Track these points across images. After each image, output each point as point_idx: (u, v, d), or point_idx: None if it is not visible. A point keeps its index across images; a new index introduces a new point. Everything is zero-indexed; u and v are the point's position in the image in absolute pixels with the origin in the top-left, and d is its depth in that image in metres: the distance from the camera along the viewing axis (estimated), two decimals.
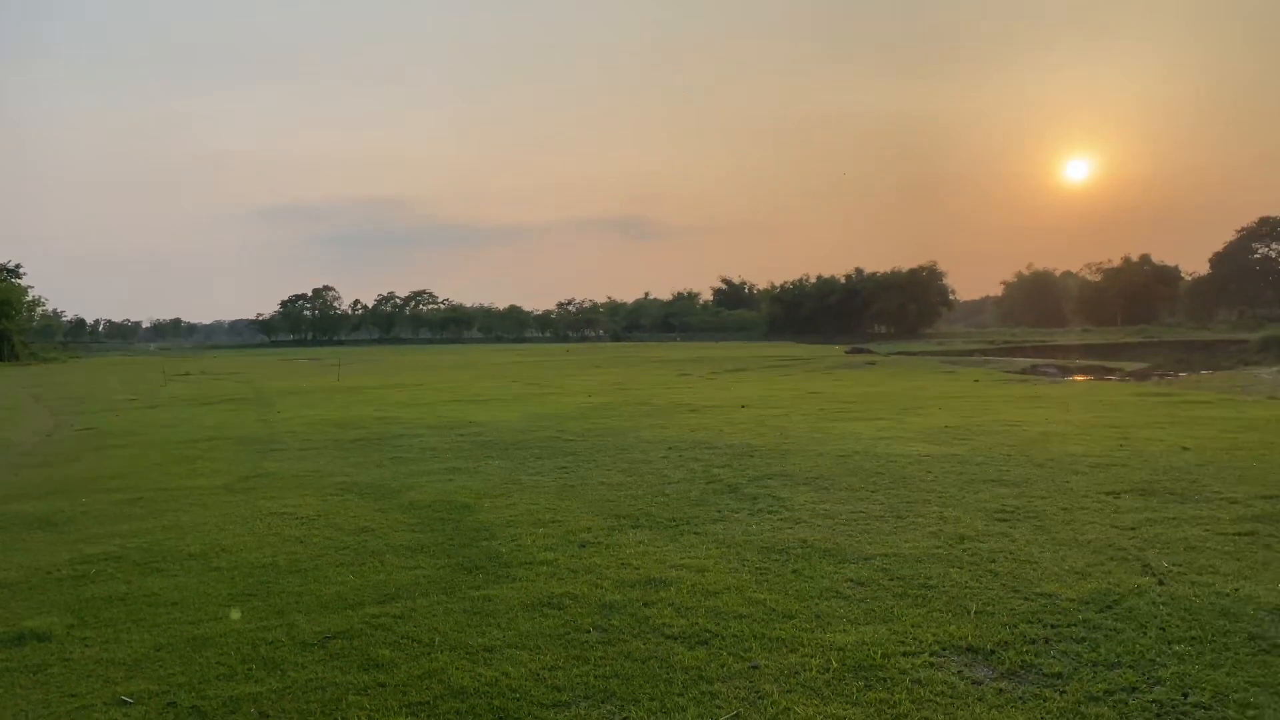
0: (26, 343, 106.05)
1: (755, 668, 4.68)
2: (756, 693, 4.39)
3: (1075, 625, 5.14)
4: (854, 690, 4.37)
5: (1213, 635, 4.90)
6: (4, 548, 8.49)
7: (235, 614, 6.10)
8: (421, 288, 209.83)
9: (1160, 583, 5.82)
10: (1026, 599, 5.64)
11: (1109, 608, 5.40)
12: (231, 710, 4.50)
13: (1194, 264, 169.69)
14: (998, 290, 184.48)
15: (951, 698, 4.26)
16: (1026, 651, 4.78)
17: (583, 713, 4.27)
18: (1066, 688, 4.32)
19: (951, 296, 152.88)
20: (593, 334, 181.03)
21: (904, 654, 4.80)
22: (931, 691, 4.33)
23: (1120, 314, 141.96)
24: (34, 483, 12.72)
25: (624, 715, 4.22)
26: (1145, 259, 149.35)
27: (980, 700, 4.23)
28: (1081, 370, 39.24)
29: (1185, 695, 4.16)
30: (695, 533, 7.84)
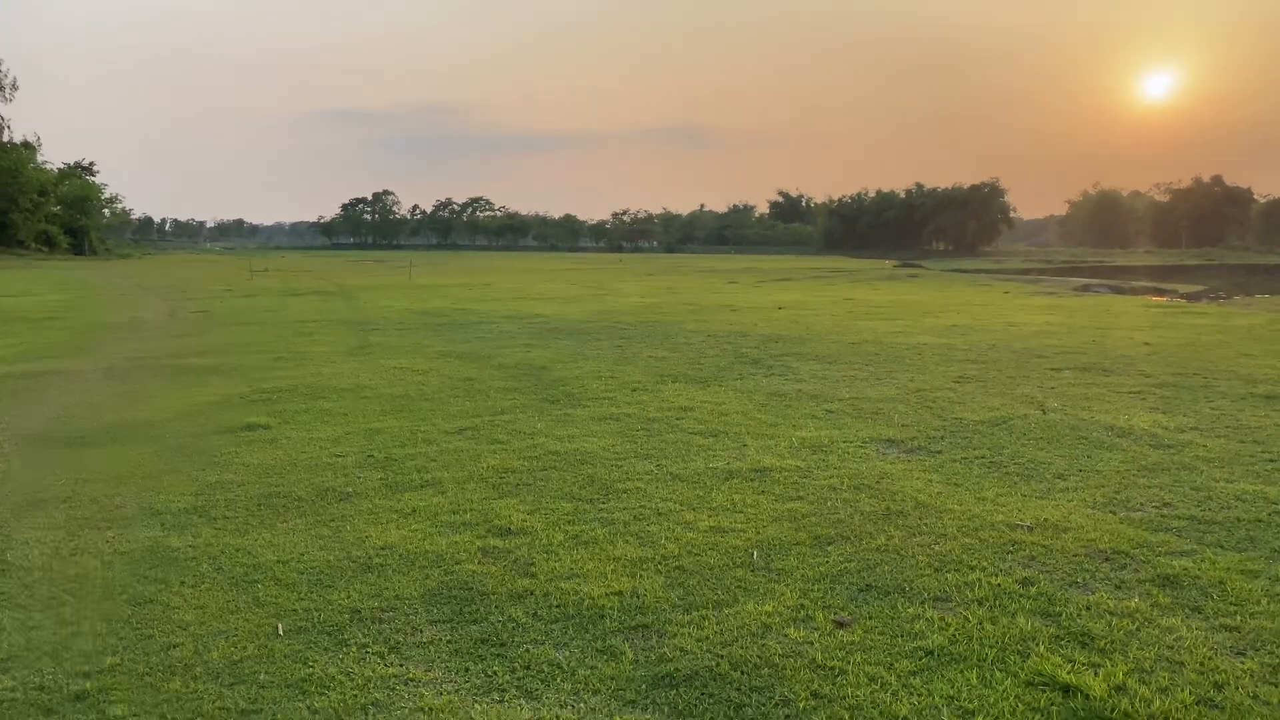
0: (103, 239, 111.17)
1: (744, 446, 7.19)
2: (742, 453, 6.92)
3: (967, 432, 7.56)
4: (804, 453, 6.87)
5: (1053, 437, 7.30)
6: (197, 384, 11.27)
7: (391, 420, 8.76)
8: (478, 194, 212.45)
9: (1044, 413, 8.18)
10: (943, 420, 8.06)
11: (997, 425, 7.80)
12: (411, 458, 7.13)
13: (1270, 186, 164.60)
14: (1062, 210, 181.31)
15: (864, 458, 6.73)
16: (926, 443, 7.22)
17: (633, 464, 6.81)
18: (940, 456, 6.77)
19: (1013, 215, 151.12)
20: (646, 245, 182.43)
21: (844, 442, 7.28)
22: (853, 456, 6.81)
23: (1187, 236, 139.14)
24: (186, 348, 15.60)
25: (657, 464, 6.76)
26: (1217, 180, 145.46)
27: (882, 460, 6.70)
28: (1135, 291, 39.20)
29: (1012, 459, 6.57)
30: (719, 385, 10.33)
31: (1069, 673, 3.40)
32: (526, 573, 4.63)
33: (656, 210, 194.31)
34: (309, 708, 3.39)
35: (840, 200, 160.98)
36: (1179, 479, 6.03)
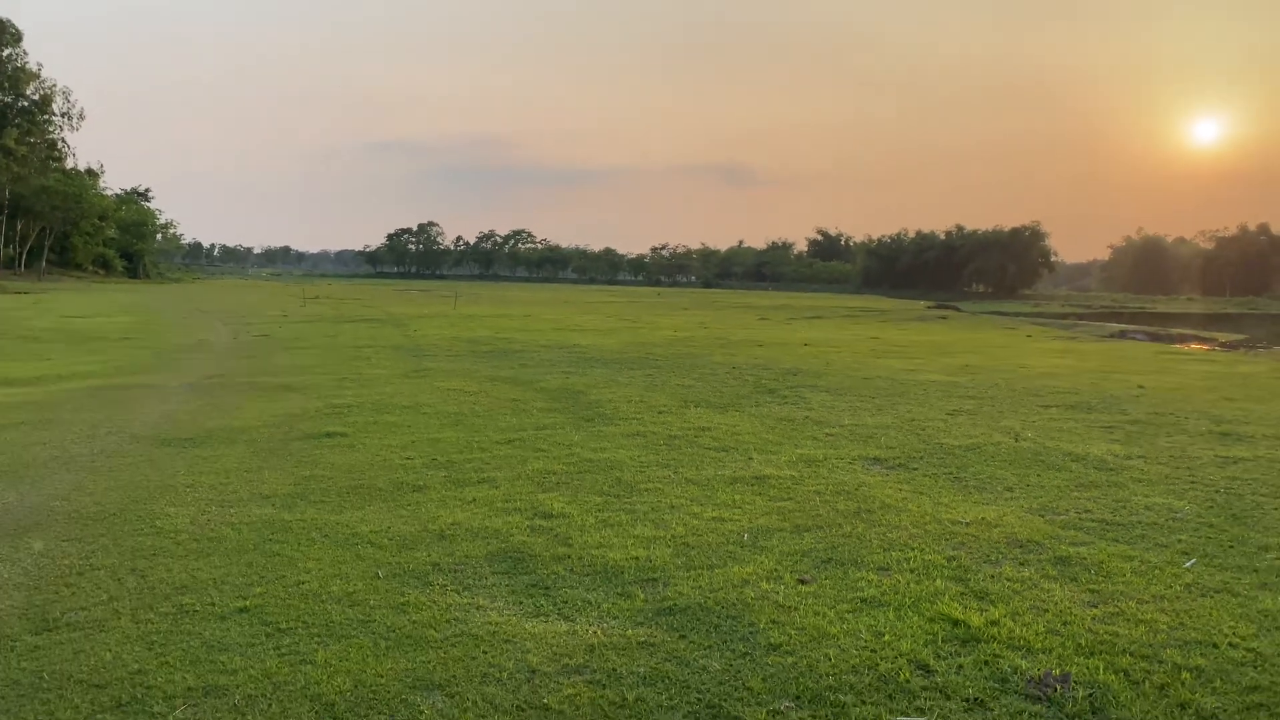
0: (155, 263, 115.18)
1: (750, 459, 8.46)
2: (748, 464, 8.20)
3: (944, 454, 8.76)
4: (800, 466, 8.13)
5: (1016, 460, 8.48)
6: (275, 399, 12.75)
7: (449, 432, 10.14)
8: (521, 226, 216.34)
9: (1016, 441, 9.36)
10: (926, 444, 9.27)
11: (971, 450, 9.00)
12: (469, 461, 8.48)
13: None
14: (1105, 254, 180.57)
15: (849, 471, 7.98)
16: (905, 461, 8.45)
17: (654, 470, 8.10)
18: (914, 471, 7.99)
19: (1054, 258, 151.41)
20: (685, 279, 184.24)
21: (836, 458, 8.53)
22: (841, 469, 8.06)
23: (1230, 284, 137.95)
24: (256, 368, 17.17)
25: (675, 470, 8.05)
26: (1263, 228, 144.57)
27: (866, 473, 7.94)
28: (1172, 339, 38.91)
29: (974, 475, 7.77)
30: (737, 410, 11.61)
31: (961, 612, 4.63)
32: (565, 543, 5.94)
33: (695, 245, 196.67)
34: (409, 620, 4.71)
35: (879, 240, 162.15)
36: (1106, 493, 7.21)
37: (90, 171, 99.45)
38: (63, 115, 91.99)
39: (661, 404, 12.15)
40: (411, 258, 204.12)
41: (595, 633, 4.52)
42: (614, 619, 4.71)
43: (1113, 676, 3.95)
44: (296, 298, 55.71)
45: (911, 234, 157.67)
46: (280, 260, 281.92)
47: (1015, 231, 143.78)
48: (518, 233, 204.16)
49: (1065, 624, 4.53)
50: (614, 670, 4.09)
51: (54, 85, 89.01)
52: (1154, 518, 6.48)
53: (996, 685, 3.89)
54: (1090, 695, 3.78)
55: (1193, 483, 7.59)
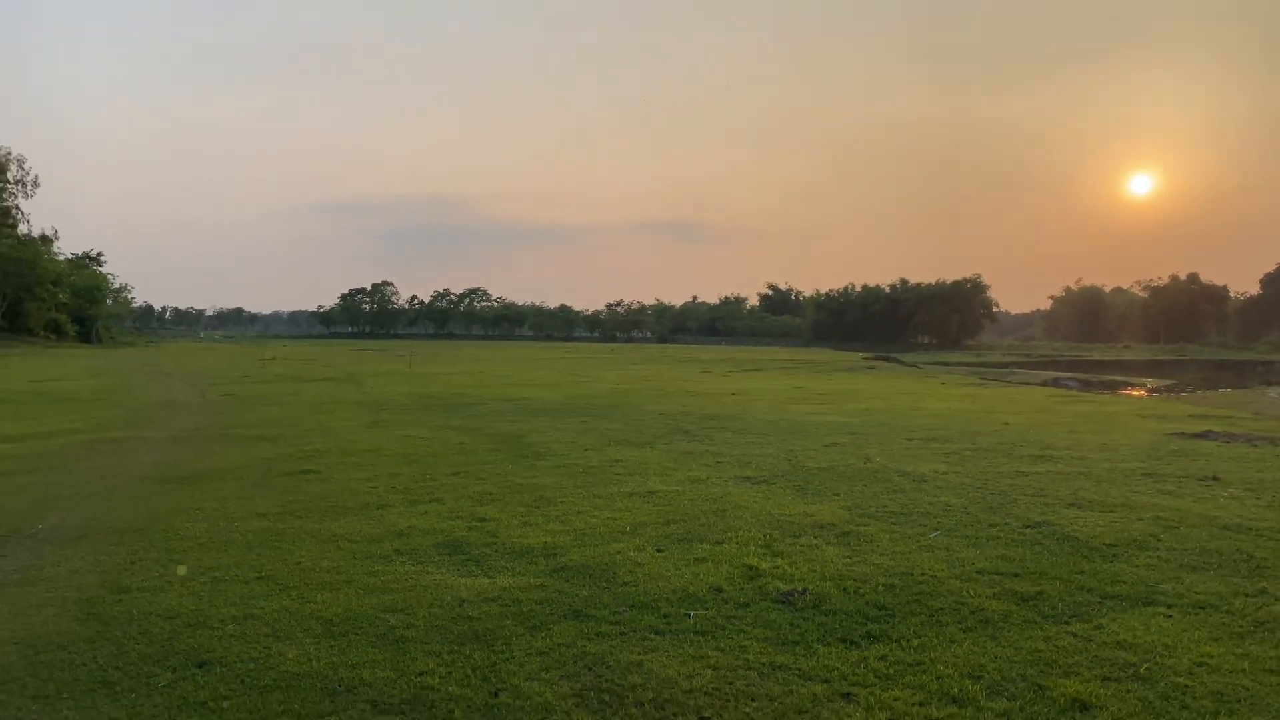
0: (108, 327, 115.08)
1: (648, 480, 10.64)
2: (644, 484, 10.38)
3: (802, 473, 11.02)
4: (685, 484, 10.33)
5: (856, 476, 10.76)
6: (250, 447, 14.68)
7: (375, 483, 12.20)
8: (475, 285, 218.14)
9: (865, 463, 11.65)
10: (794, 467, 11.53)
11: (825, 470, 11.27)
12: (422, 487, 10.54)
13: (1246, 284, 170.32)
14: (1048, 305, 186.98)
15: (721, 486, 10.19)
16: (769, 479, 10.68)
17: (570, 490, 10.23)
18: (772, 485, 10.22)
19: (996, 309, 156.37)
20: (640, 335, 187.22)
21: (716, 478, 10.75)
22: (716, 485, 10.27)
23: (1164, 332, 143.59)
24: (229, 422, 19.03)
25: (586, 489, 10.19)
26: (1193, 278, 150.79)
27: (735, 487, 10.15)
28: (1104, 386, 41.20)
29: (816, 487, 10.01)
30: (651, 447, 13.81)
31: (756, 562, 6.83)
32: (494, 535, 8.05)
33: (650, 301, 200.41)
34: (378, 580, 6.78)
35: (828, 294, 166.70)
36: (908, 495, 9.49)
37: (44, 237, 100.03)
38: (17, 183, 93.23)
39: (588, 444, 14.31)
40: (366, 318, 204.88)
41: (508, 582, 6.63)
42: (522, 575, 6.83)
43: (836, 590, 6.16)
44: (254, 359, 57.11)
45: (859, 288, 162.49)
46: (233, 322, 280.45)
47: (957, 284, 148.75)
48: (473, 291, 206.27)
49: (823, 566, 6.74)
50: (517, 598, 6.21)
51: (8, 153, 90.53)
52: (930, 509, 8.77)
53: (760, 596, 6.09)
54: (816, 599, 5.99)
55: (979, 489, 9.92)
